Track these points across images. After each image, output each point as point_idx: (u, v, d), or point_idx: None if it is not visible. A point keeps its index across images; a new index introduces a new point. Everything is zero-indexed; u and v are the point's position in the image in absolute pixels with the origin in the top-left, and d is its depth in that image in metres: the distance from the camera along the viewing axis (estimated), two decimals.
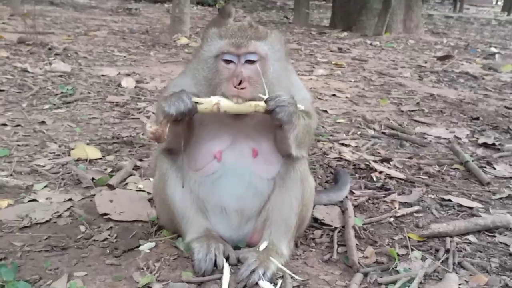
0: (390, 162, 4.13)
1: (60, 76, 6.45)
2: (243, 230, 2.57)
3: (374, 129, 5.13)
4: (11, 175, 3.42)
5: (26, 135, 4.24)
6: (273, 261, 2.38)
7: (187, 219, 2.51)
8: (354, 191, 3.50)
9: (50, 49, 8.08)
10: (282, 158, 2.49)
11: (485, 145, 4.77)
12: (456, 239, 2.89)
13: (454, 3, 30.82)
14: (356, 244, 2.71)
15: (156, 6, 21.04)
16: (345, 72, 8.27)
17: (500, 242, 2.91)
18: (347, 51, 10.71)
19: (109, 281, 2.28)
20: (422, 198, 3.48)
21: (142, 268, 2.38)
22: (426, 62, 9.83)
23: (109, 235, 2.70)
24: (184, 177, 2.49)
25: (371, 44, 12.03)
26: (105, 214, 2.91)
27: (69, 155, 3.85)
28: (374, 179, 3.76)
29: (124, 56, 8.40)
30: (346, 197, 3.32)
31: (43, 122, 4.60)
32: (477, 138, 4.96)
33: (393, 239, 2.87)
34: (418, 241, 2.85)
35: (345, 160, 4.12)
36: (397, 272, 2.47)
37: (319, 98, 6.30)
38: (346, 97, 6.47)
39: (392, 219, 3.12)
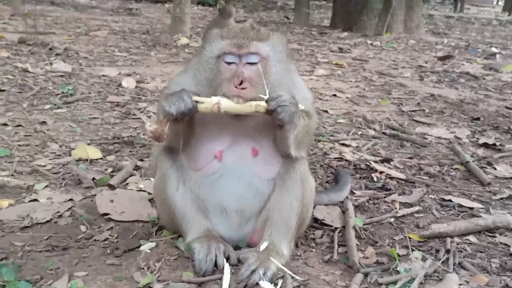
0: (391, 162, 4.13)
1: (61, 76, 6.46)
2: (243, 230, 2.58)
3: (375, 129, 5.13)
4: (12, 175, 3.43)
5: (27, 135, 4.25)
6: (273, 261, 2.38)
7: (187, 219, 2.52)
8: (354, 191, 3.51)
9: (51, 49, 8.08)
10: (282, 158, 2.49)
11: (485, 145, 4.77)
12: (456, 239, 2.89)
13: (454, 3, 30.82)
14: (357, 244, 2.72)
15: (157, 6, 21.05)
16: (345, 72, 8.27)
17: (501, 243, 2.91)
18: (348, 51, 10.71)
19: (109, 281, 2.28)
20: (423, 199, 3.48)
21: (143, 268, 2.38)
22: (426, 62, 9.83)
23: (109, 235, 2.70)
24: (185, 177, 2.50)
25: (371, 44, 12.03)
26: (106, 214, 2.91)
27: (70, 155, 3.85)
28: (375, 179, 3.76)
29: (125, 56, 8.41)
30: (347, 197, 3.32)
31: (44, 122, 4.60)
32: (478, 139, 4.95)
33: (394, 240, 2.87)
34: (419, 242, 2.85)
35: (346, 160, 4.12)
36: (398, 272, 2.48)
37: (320, 98, 6.30)
38: (347, 97, 6.47)
39: (392, 220, 3.12)
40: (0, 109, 4.89)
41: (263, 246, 2.45)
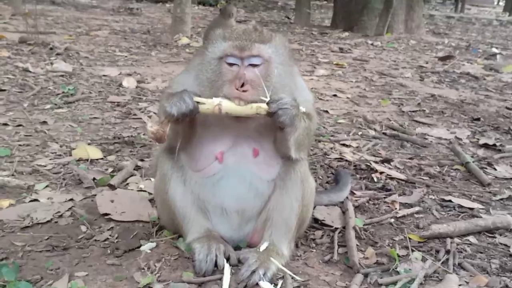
0: (391, 163, 4.13)
1: (62, 76, 6.46)
2: (243, 231, 2.58)
3: (375, 130, 5.13)
4: (12, 175, 3.43)
5: (27, 135, 4.25)
6: (273, 262, 2.39)
7: (188, 219, 2.52)
8: (354, 191, 3.51)
9: (51, 49, 8.09)
10: (282, 159, 2.49)
11: (486, 146, 4.77)
12: (456, 240, 2.89)
13: (455, 4, 30.79)
14: (357, 245, 2.72)
15: (158, 6, 21.04)
16: (346, 73, 8.27)
17: (501, 243, 2.91)
18: (348, 51, 10.71)
19: (110, 281, 2.29)
20: (423, 199, 3.48)
21: (143, 268, 2.38)
22: (427, 63, 9.83)
23: (110, 235, 2.70)
24: (185, 177, 2.50)
25: (372, 44, 12.03)
26: (106, 214, 2.91)
27: (70, 155, 3.86)
28: (375, 179, 3.77)
29: (126, 56, 8.41)
30: (347, 197, 3.32)
31: (44, 122, 4.61)
32: (478, 139, 4.96)
33: (394, 240, 2.88)
34: (419, 242, 2.85)
35: (346, 160, 4.13)
36: (398, 273, 2.48)
37: (320, 99, 6.30)
38: (347, 98, 6.48)
39: (392, 220, 3.13)
40: (0, 109, 4.90)
41: (263, 247, 2.45)
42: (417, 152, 4.52)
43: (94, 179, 3.42)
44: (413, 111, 5.97)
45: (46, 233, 2.69)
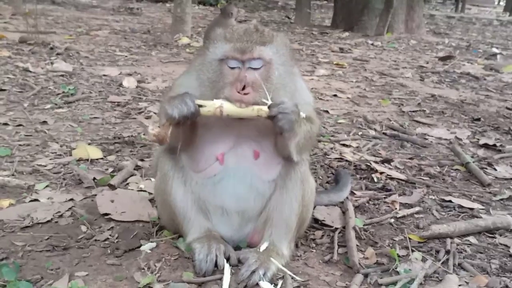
0: (391, 163, 4.13)
1: (62, 75, 6.46)
2: (243, 231, 2.58)
3: (375, 130, 5.13)
4: (12, 175, 3.43)
5: (27, 135, 4.25)
6: (273, 262, 2.39)
7: (188, 219, 2.52)
8: (354, 191, 3.51)
9: (51, 48, 8.09)
10: (282, 160, 2.50)
11: (486, 146, 4.77)
12: (456, 240, 2.89)
13: (456, 3, 30.75)
14: (357, 245, 2.72)
15: (158, 5, 21.03)
16: (346, 73, 8.27)
17: (501, 244, 2.91)
18: (349, 51, 10.71)
19: (110, 281, 2.29)
20: (423, 199, 3.49)
21: (143, 268, 2.39)
22: (427, 63, 9.82)
23: (110, 235, 2.70)
24: (186, 178, 2.50)
25: (372, 44, 12.03)
26: (106, 214, 2.91)
27: (70, 155, 3.86)
28: (375, 179, 3.77)
29: (126, 56, 8.41)
30: (347, 197, 3.32)
31: (44, 122, 4.61)
32: (478, 139, 4.96)
33: (394, 240, 2.88)
34: (419, 242, 2.85)
35: (346, 160, 4.13)
36: (398, 273, 2.48)
37: (320, 99, 6.30)
38: (347, 98, 6.48)
39: (392, 220, 3.13)
40: (0, 109, 4.90)
41: (263, 247, 2.46)
42: (417, 152, 4.52)
43: (94, 179, 3.43)
44: (413, 111, 5.97)
45: (46, 233, 2.70)
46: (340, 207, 3.19)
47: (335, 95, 6.54)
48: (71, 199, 3.13)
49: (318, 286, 2.37)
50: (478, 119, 5.71)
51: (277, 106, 2.22)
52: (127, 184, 3.41)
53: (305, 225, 2.70)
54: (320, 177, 3.75)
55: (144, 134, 4.41)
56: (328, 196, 3.26)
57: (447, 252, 2.73)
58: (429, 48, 12.16)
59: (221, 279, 2.31)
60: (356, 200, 3.36)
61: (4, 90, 5.55)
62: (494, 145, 4.77)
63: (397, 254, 2.64)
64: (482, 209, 3.39)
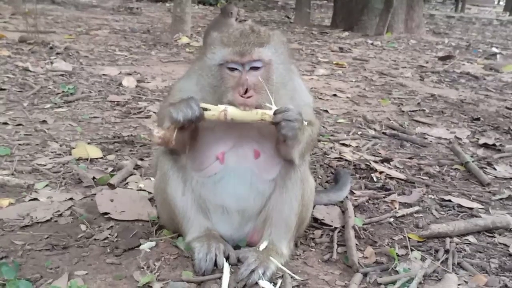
0: (391, 163, 4.13)
1: (61, 75, 6.46)
2: (243, 230, 2.58)
3: (375, 129, 5.13)
4: (12, 174, 3.44)
5: (27, 134, 4.25)
6: (273, 261, 2.39)
7: (187, 218, 2.52)
8: (354, 191, 3.51)
9: (51, 48, 8.09)
10: (282, 160, 2.50)
11: (485, 145, 4.78)
12: (455, 239, 2.89)
13: (455, 3, 30.73)
14: (356, 244, 2.72)
15: (158, 5, 21.03)
16: (346, 72, 8.27)
17: (500, 243, 2.91)
18: (348, 51, 10.71)
19: (109, 280, 2.29)
20: (422, 199, 3.49)
21: (143, 267, 2.39)
22: (427, 62, 9.83)
23: (109, 234, 2.70)
24: (186, 177, 2.50)
25: (372, 44, 12.03)
26: (106, 213, 2.92)
27: (70, 154, 3.86)
28: (375, 179, 3.77)
29: (125, 56, 8.41)
30: (346, 197, 3.33)
31: (44, 121, 4.61)
32: (478, 139, 4.96)
33: (393, 239, 2.88)
34: (418, 242, 2.86)
35: (346, 160, 4.13)
36: (397, 272, 2.48)
37: (320, 98, 6.31)
38: (347, 97, 6.48)
39: (392, 220, 3.13)
40: (0, 108, 4.90)
41: (262, 246, 2.46)
42: (417, 152, 4.52)
43: (93, 178, 3.43)
44: (413, 111, 5.97)
45: (45, 232, 2.70)
46: (340, 207, 3.20)
47: (334, 95, 6.54)
48: (71, 198, 3.13)
49: (317, 285, 2.38)
50: (478, 119, 5.71)
51: (282, 113, 2.22)
52: (127, 183, 3.41)
53: (304, 224, 2.70)
54: (320, 177, 3.75)
55: (143, 133, 4.41)
56: (327, 195, 3.26)
57: (447, 251, 2.73)
58: (429, 48, 12.16)
59: (220, 278, 2.31)
60: (355, 199, 3.37)
61: (4, 89, 5.55)
62: (494, 144, 4.77)
63: (397, 253, 2.64)
64: (482, 208, 3.39)
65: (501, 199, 3.58)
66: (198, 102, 2.25)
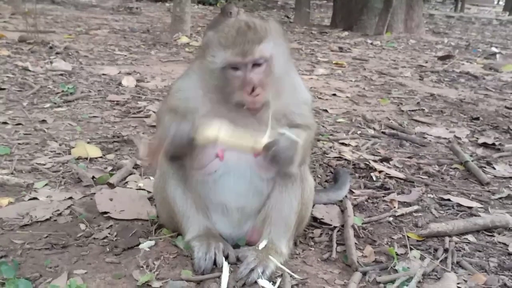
0: (390, 162, 4.14)
1: (61, 74, 6.46)
2: (243, 228, 2.58)
3: (374, 129, 5.14)
4: (11, 173, 3.44)
5: (26, 134, 4.25)
6: (272, 260, 2.39)
7: (187, 217, 2.52)
8: (353, 190, 3.51)
9: (51, 47, 8.09)
10: None
11: (485, 145, 4.78)
12: (455, 238, 2.89)
13: (455, 3, 30.73)
14: (355, 243, 2.72)
15: (157, 5, 21.02)
16: (345, 72, 8.27)
17: (499, 242, 2.91)
18: (348, 50, 10.71)
19: (109, 279, 2.29)
20: (422, 198, 3.49)
21: (142, 266, 2.39)
22: (426, 62, 9.83)
23: (109, 233, 2.71)
24: (185, 175, 2.50)
25: (372, 43, 12.03)
26: (105, 213, 2.92)
27: (69, 154, 3.86)
28: (374, 178, 3.77)
29: (125, 55, 8.41)
30: (346, 196, 3.33)
31: (43, 121, 4.61)
32: (477, 138, 4.96)
33: (392, 239, 2.88)
34: (417, 241, 2.86)
35: (345, 159, 4.13)
36: (396, 271, 2.48)
37: (320, 98, 6.31)
38: (347, 97, 6.48)
39: (391, 219, 3.13)
40: (0, 108, 4.90)
41: (262, 245, 2.46)
42: (416, 151, 4.52)
43: (93, 177, 3.43)
44: (412, 110, 5.97)
45: (45, 231, 2.70)
46: (339, 206, 3.20)
47: (334, 94, 6.54)
48: (70, 198, 3.13)
49: (317, 284, 2.38)
50: (477, 118, 5.71)
51: (273, 148, 2.24)
52: (126, 182, 3.41)
53: (304, 223, 2.71)
54: (319, 176, 3.75)
55: (143, 133, 4.41)
56: (327, 194, 3.26)
57: (446, 250, 2.73)
58: (429, 48, 12.16)
59: (219, 277, 2.31)
60: (355, 198, 3.37)
61: (4, 89, 5.55)
62: (493, 144, 4.77)
63: (396, 252, 2.64)
64: (481, 207, 3.40)
65: (500, 198, 3.58)
66: (190, 126, 2.29)
